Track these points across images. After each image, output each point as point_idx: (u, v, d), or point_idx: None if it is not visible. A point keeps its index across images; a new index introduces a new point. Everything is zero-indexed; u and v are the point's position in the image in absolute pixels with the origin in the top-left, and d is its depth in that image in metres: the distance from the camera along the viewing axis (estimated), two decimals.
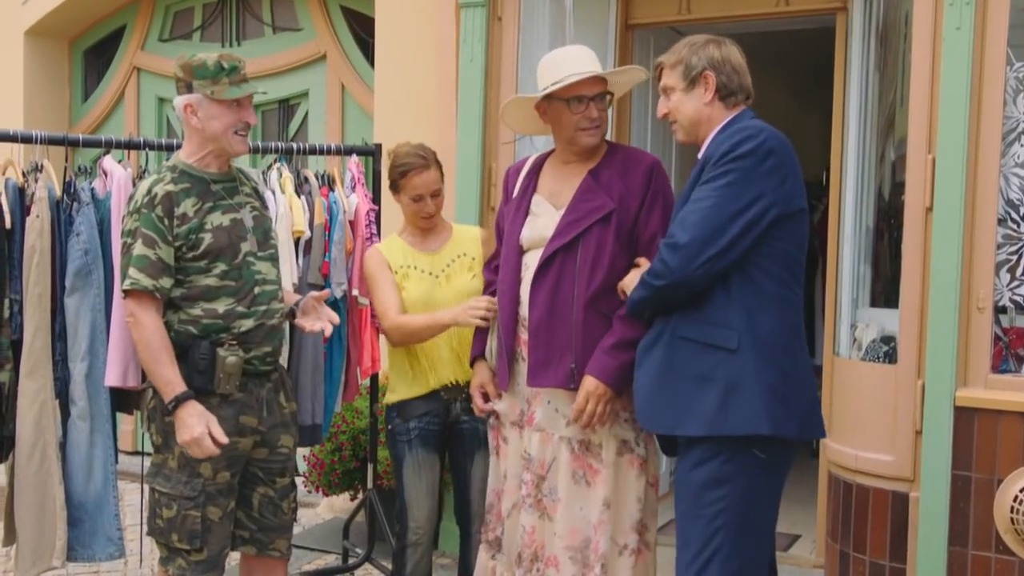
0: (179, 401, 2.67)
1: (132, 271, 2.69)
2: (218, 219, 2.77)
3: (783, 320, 2.42)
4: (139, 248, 2.69)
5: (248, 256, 2.81)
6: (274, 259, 2.91)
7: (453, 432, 3.20)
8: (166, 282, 2.72)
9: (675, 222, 2.46)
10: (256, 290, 2.82)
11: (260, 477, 2.91)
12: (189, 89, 2.76)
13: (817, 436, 2.54)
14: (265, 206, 3.00)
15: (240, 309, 2.78)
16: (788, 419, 2.39)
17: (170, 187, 2.74)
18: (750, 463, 2.39)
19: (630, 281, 2.58)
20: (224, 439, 2.69)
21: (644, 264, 2.60)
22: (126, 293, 2.71)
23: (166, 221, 2.71)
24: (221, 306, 2.76)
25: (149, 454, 4.60)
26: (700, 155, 2.52)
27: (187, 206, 2.74)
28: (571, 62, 2.75)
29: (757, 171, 2.36)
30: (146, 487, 2.94)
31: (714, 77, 2.49)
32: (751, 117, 2.51)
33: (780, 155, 2.39)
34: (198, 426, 2.66)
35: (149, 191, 2.73)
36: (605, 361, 2.64)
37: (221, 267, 2.75)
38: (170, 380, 2.69)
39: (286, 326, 3.12)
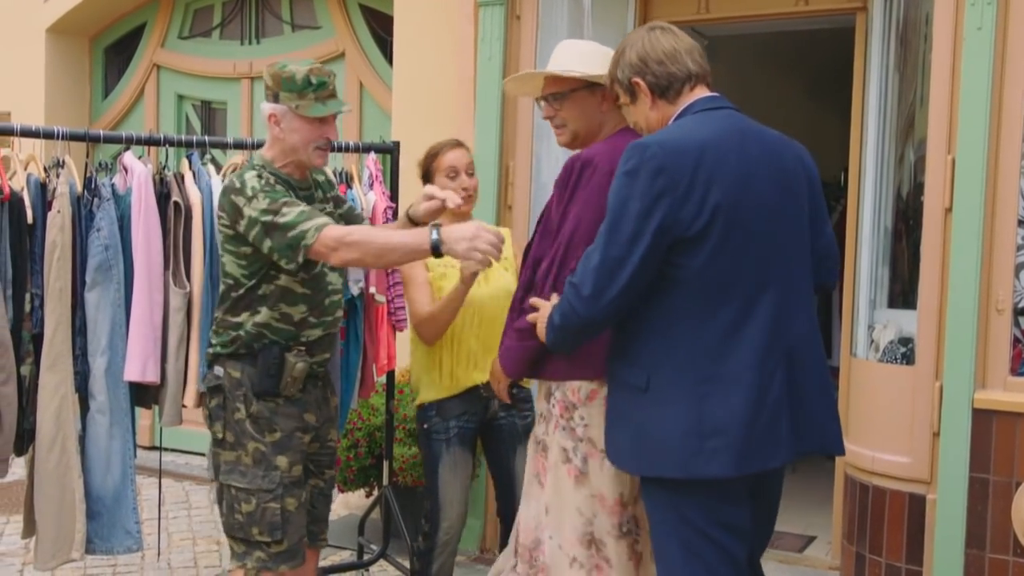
0: (435, 243, 2.55)
1: (303, 224, 2.62)
2: None
3: (694, 350, 2.21)
4: (291, 211, 2.64)
5: (324, 266, 2.84)
6: (341, 268, 2.93)
7: (491, 429, 3.25)
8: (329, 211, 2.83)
9: (584, 255, 2.27)
10: (327, 301, 2.88)
11: (311, 470, 3.00)
12: (275, 99, 2.77)
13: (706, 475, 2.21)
14: (337, 207, 3.01)
15: (312, 319, 2.84)
16: (656, 459, 2.24)
17: (273, 179, 2.76)
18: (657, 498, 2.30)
19: (542, 316, 2.45)
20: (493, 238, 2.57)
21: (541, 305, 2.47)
22: (314, 243, 2.61)
23: (287, 194, 2.71)
24: (296, 313, 2.81)
25: (167, 449, 4.63)
26: None
27: (289, 195, 2.76)
28: (553, 58, 2.68)
29: (647, 194, 2.15)
30: (164, 480, 2.96)
31: (643, 82, 2.34)
32: (696, 111, 2.29)
33: (671, 171, 2.15)
34: (469, 228, 2.55)
35: (260, 178, 2.72)
36: (505, 343, 2.63)
37: (303, 274, 2.78)
38: (415, 243, 2.60)
39: None
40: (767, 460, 2.22)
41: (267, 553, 2.80)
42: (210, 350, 2.88)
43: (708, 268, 2.17)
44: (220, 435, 2.84)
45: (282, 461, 2.81)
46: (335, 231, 2.64)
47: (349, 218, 3.03)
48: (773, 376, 2.20)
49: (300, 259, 2.65)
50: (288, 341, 2.80)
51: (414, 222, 2.93)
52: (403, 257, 2.71)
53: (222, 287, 2.88)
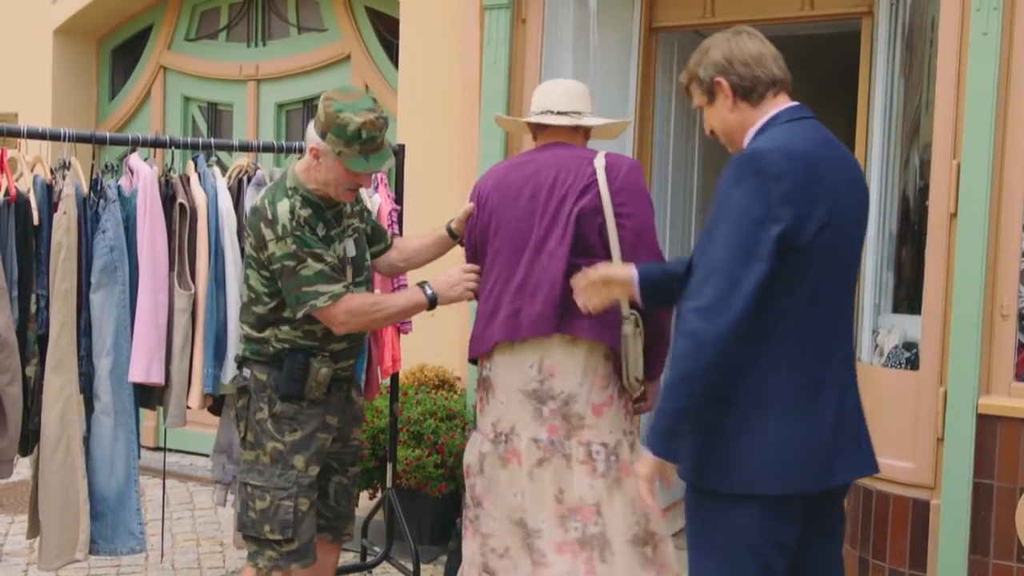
0: (431, 295, 2.90)
1: (320, 287, 2.75)
2: (335, 250, 2.87)
3: (792, 360, 2.17)
4: (312, 266, 2.75)
5: (349, 286, 2.87)
6: (366, 283, 2.99)
7: None
8: (348, 276, 2.87)
9: (698, 271, 2.17)
10: None
11: (334, 467, 3.06)
12: (323, 135, 2.77)
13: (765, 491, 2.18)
14: (362, 217, 3.05)
15: (336, 333, 2.88)
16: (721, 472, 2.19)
17: (304, 212, 2.80)
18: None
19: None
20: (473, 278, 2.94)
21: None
22: (324, 308, 2.76)
23: (315, 237, 2.78)
24: (319, 330, 2.86)
25: (172, 450, 4.63)
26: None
27: (320, 230, 2.83)
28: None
29: (770, 199, 2.09)
30: (168, 482, 2.98)
31: (725, 82, 2.29)
32: (787, 120, 2.25)
33: (792, 177, 2.10)
34: (453, 275, 2.93)
35: (293, 215, 2.77)
36: None
37: (351, 284, 2.85)
38: (415, 301, 2.91)
39: None
40: (848, 473, 2.24)
41: (278, 552, 2.85)
42: (239, 353, 2.97)
43: (810, 275, 2.13)
44: (242, 434, 2.92)
45: (299, 461, 2.86)
46: (349, 304, 2.78)
47: (374, 232, 3.12)
48: (848, 391, 2.25)
49: (300, 315, 2.77)
50: (313, 350, 2.87)
51: (453, 235, 3.12)
52: (404, 317, 2.95)
53: (244, 298, 2.93)
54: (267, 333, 2.86)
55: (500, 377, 2.90)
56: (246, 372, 2.91)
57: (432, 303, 2.90)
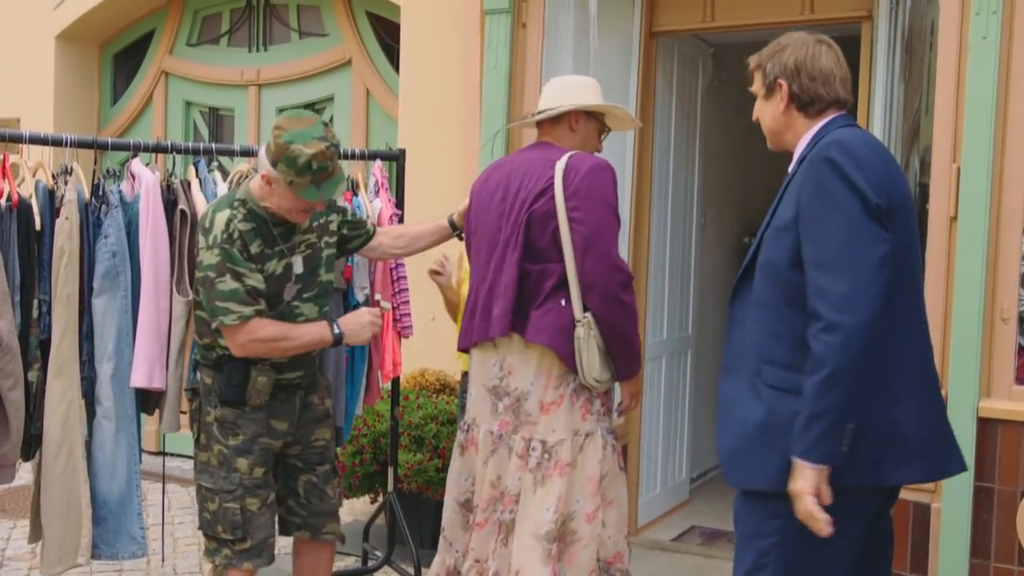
0: (338, 334, 2.96)
1: (231, 305, 2.77)
2: (273, 266, 2.89)
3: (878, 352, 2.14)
4: (229, 283, 2.78)
5: (293, 301, 2.93)
6: (320, 296, 3.02)
7: None
8: (262, 303, 2.84)
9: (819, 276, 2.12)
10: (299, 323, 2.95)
11: (300, 467, 3.10)
12: (274, 165, 2.77)
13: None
14: (324, 229, 3.04)
15: None
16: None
17: (243, 226, 2.82)
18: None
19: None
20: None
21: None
22: (230, 327, 2.79)
23: (244, 255, 2.80)
24: None
25: (172, 454, 4.65)
26: (792, 165, 2.33)
27: (254, 246, 2.84)
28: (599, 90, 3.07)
29: (867, 189, 2.12)
30: (169, 486, 3.01)
31: (786, 86, 2.31)
32: (840, 125, 2.28)
33: (879, 168, 2.16)
34: (362, 317, 3.02)
35: (227, 227, 2.79)
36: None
37: (269, 312, 2.87)
38: (320, 336, 2.94)
39: None
40: (946, 469, 2.27)
41: (232, 551, 2.93)
42: (195, 357, 3.04)
43: (901, 255, 2.15)
44: (196, 436, 2.99)
45: (242, 464, 2.92)
46: (254, 328, 2.79)
47: (351, 230, 3.15)
48: (934, 388, 2.27)
49: (212, 327, 2.82)
50: (253, 359, 2.89)
51: (454, 227, 3.28)
52: (306, 350, 2.95)
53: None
54: (208, 340, 2.93)
55: (474, 372, 3.03)
56: (198, 376, 3.00)
57: (337, 342, 2.97)
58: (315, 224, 3.02)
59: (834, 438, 2.06)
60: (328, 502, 3.16)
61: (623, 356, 2.89)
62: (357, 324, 3.00)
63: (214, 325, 2.83)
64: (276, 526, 3.07)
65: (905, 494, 3.47)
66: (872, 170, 2.13)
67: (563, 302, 2.84)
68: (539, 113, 3.04)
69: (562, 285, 2.84)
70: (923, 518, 3.45)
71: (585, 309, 2.82)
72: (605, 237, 2.81)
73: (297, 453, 3.08)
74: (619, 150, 4.41)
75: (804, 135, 2.31)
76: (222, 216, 2.81)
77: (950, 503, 3.37)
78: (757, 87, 2.39)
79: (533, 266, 2.85)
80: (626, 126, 3.20)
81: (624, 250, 4.41)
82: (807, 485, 2.07)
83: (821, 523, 2.07)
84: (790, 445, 2.10)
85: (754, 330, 2.24)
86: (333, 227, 3.09)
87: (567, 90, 3.02)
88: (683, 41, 4.74)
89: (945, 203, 3.40)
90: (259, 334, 2.81)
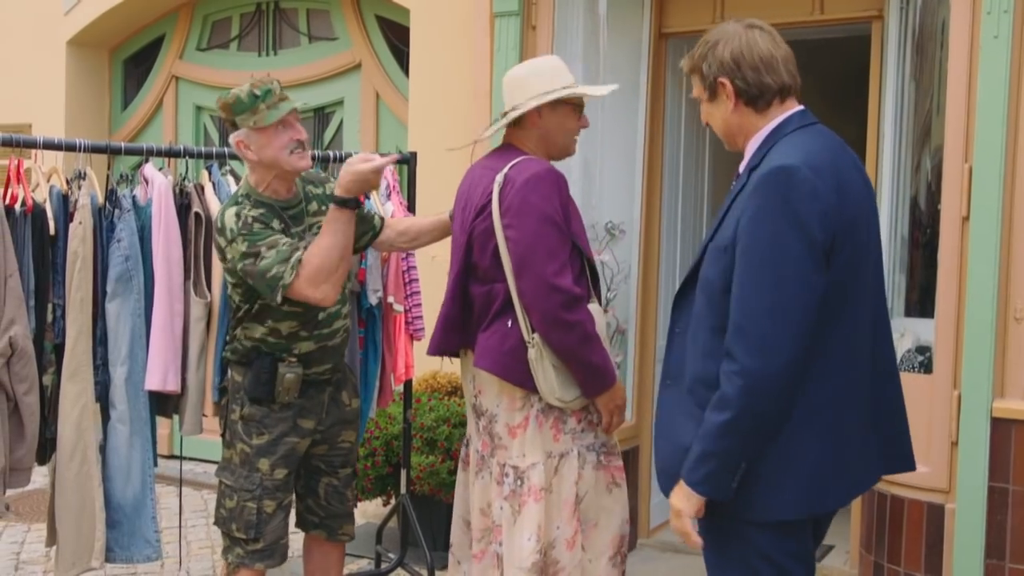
0: (346, 199, 2.77)
1: (277, 268, 2.71)
2: None
3: (820, 374, 2.09)
4: (265, 255, 2.73)
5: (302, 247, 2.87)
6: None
7: None
8: (300, 248, 2.77)
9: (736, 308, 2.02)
10: (320, 315, 2.94)
11: (323, 469, 3.12)
12: (235, 126, 2.85)
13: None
14: None
15: (303, 333, 2.93)
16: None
17: (254, 212, 2.84)
18: None
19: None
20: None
21: None
22: (293, 284, 2.71)
23: (269, 229, 2.80)
24: (284, 328, 2.91)
25: (185, 458, 4.66)
26: (741, 166, 2.21)
27: (275, 224, 2.85)
28: (566, 73, 2.83)
29: (809, 219, 1.99)
30: (185, 489, 3.04)
31: (729, 84, 2.14)
32: (795, 127, 2.13)
33: (823, 195, 2.01)
34: (354, 166, 2.77)
35: (239, 218, 2.81)
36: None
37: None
38: (334, 216, 2.77)
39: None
40: (863, 486, 2.20)
41: (245, 550, 2.95)
42: (224, 355, 3.07)
43: (828, 290, 2.01)
44: (222, 432, 3.02)
45: (264, 464, 2.93)
46: (307, 269, 2.72)
47: (359, 224, 3.09)
48: (864, 401, 2.14)
49: (279, 297, 2.75)
50: (281, 353, 2.91)
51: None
52: (344, 240, 2.78)
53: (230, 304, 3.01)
54: (238, 332, 2.95)
55: (463, 382, 2.98)
56: (229, 374, 3.02)
57: (353, 203, 2.78)
58: (323, 207, 3.00)
59: (725, 476, 2.03)
60: (346, 505, 3.19)
61: (584, 375, 2.69)
62: (353, 176, 2.75)
63: (279, 298, 2.73)
64: (289, 527, 3.08)
65: (919, 495, 3.47)
66: (818, 201, 1.98)
67: (509, 323, 2.68)
68: (500, 118, 2.81)
69: (508, 305, 2.68)
70: (937, 519, 3.44)
71: (533, 329, 2.66)
72: (539, 255, 2.60)
73: (323, 453, 3.09)
74: (629, 151, 4.41)
75: (755, 136, 2.16)
76: (231, 212, 2.85)
77: (964, 504, 3.35)
78: (698, 91, 2.23)
79: (479, 288, 2.72)
80: (600, 93, 2.89)
81: (634, 253, 4.41)
82: (689, 507, 2.08)
83: (696, 540, 2.11)
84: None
85: (691, 346, 2.15)
86: None
87: (522, 86, 2.77)
88: (693, 42, 4.65)
89: (957, 203, 3.39)
90: (312, 266, 2.70)
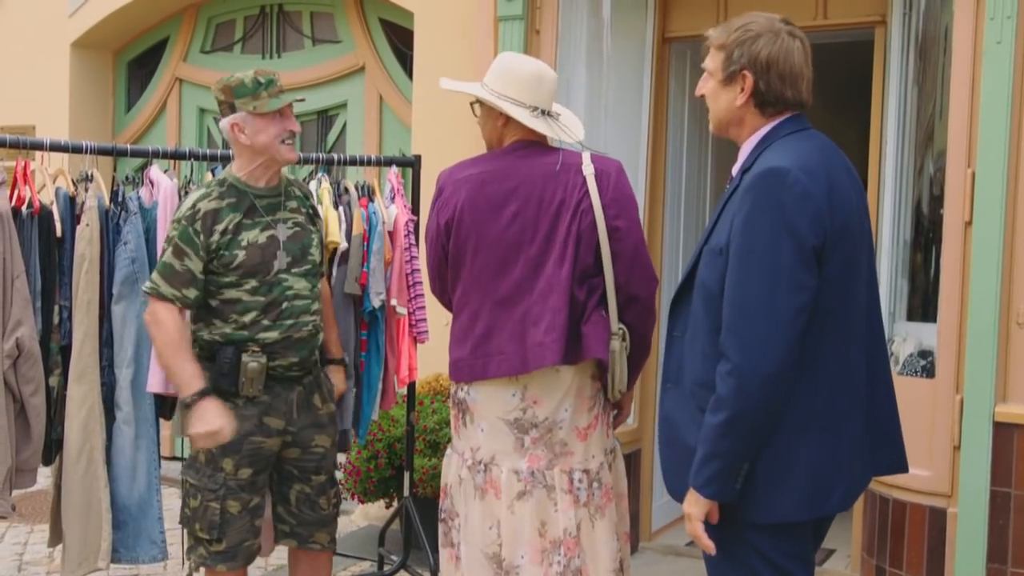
0: (202, 394, 2.81)
1: (155, 276, 2.87)
2: (254, 236, 2.89)
3: (817, 376, 2.12)
4: (168, 257, 2.85)
5: (280, 273, 2.92)
6: (310, 274, 3.00)
7: None
8: (190, 292, 2.85)
9: (729, 308, 2.04)
10: (284, 305, 2.93)
11: (295, 475, 3.04)
12: (232, 109, 2.89)
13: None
14: (312, 220, 3.07)
15: (266, 322, 2.91)
16: None
17: (214, 204, 2.87)
18: None
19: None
20: (231, 432, 2.83)
21: None
22: (146, 294, 2.89)
23: (202, 237, 2.84)
24: (247, 318, 2.90)
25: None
26: (735, 168, 2.22)
27: (228, 222, 2.86)
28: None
29: (801, 221, 2.01)
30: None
31: (751, 80, 2.13)
32: (789, 132, 2.15)
33: (816, 197, 2.03)
34: (218, 418, 2.80)
35: (193, 205, 2.87)
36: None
37: (252, 283, 2.88)
38: (192, 373, 2.83)
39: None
40: (860, 487, 2.20)
41: (207, 551, 2.93)
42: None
43: (823, 293, 2.03)
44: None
45: (228, 463, 2.89)
46: (158, 309, 2.82)
47: (304, 244, 3.01)
48: (860, 403, 2.16)
49: (141, 294, 2.90)
50: (244, 343, 2.89)
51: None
52: (166, 369, 2.91)
53: None
54: (198, 326, 2.94)
55: (480, 404, 2.72)
56: None
57: (184, 404, 2.83)
58: (303, 208, 3.04)
59: (728, 478, 2.05)
60: (319, 513, 3.07)
61: (640, 365, 2.79)
62: (200, 419, 2.79)
63: (141, 295, 2.89)
64: (260, 531, 3.00)
65: (921, 499, 3.48)
66: (810, 203, 2.00)
67: (603, 313, 2.67)
68: (554, 117, 2.72)
69: (603, 297, 2.67)
70: (939, 523, 3.45)
71: (621, 319, 2.68)
72: (644, 243, 2.69)
73: (295, 457, 3.01)
74: (632, 155, 4.42)
75: (753, 135, 2.17)
76: (192, 197, 2.91)
77: (967, 508, 3.36)
78: (715, 67, 2.18)
79: (579, 285, 2.64)
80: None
81: None
82: (698, 512, 2.10)
83: (707, 544, 2.11)
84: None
85: (690, 349, 2.17)
86: (316, 232, 3.07)
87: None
88: (696, 46, 4.69)
89: (960, 208, 3.40)
90: (158, 316, 2.82)
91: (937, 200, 3.60)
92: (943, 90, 3.57)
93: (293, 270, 2.94)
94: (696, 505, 2.10)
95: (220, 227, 2.85)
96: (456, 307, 2.79)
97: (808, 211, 2.00)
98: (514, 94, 2.69)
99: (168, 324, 2.83)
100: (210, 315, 2.91)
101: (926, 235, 3.74)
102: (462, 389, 2.77)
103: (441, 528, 2.86)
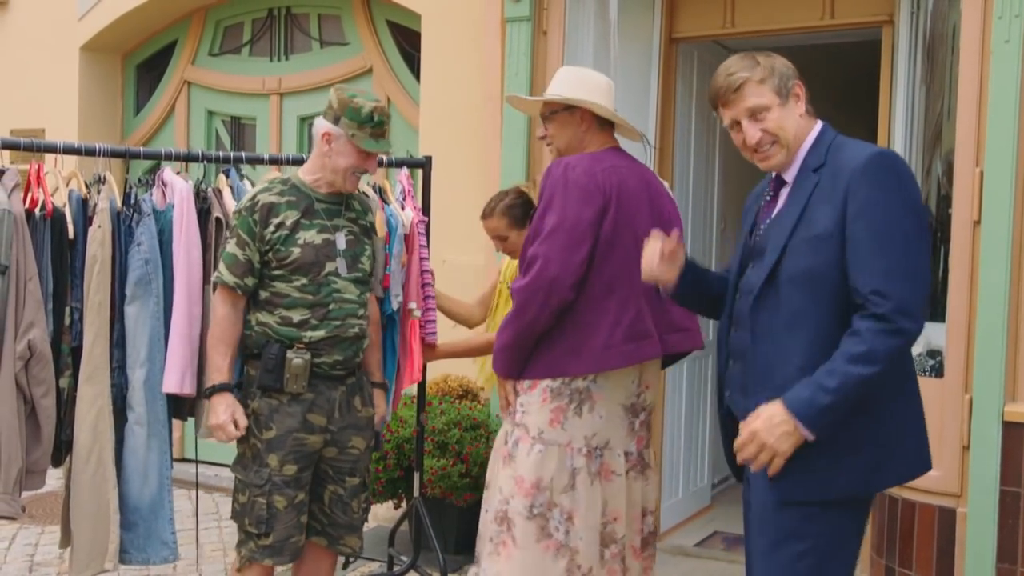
0: (215, 390, 2.96)
1: (221, 266, 3.00)
2: (311, 236, 2.99)
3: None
4: (231, 247, 2.99)
5: (331, 275, 3.01)
6: (360, 281, 3.10)
7: None
8: (250, 280, 2.99)
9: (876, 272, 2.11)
10: (332, 306, 3.01)
11: (330, 475, 3.11)
12: (335, 121, 2.97)
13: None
14: (367, 232, 3.15)
15: (314, 321, 2.99)
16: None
17: (273, 198, 3.00)
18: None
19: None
20: (242, 427, 2.97)
21: None
22: (214, 285, 3.04)
23: (258, 227, 2.96)
24: (296, 315, 2.98)
25: (199, 461, 4.70)
26: (791, 171, 2.30)
27: (285, 218, 2.98)
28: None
29: (918, 195, 2.27)
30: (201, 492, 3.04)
31: (802, 87, 2.28)
32: (838, 133, 2.31)
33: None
34: (223, 414, 2.95)
35: (254, 197, 3.01)
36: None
37: (302, 280, 2.98)
38: (219, 368, 2.99)
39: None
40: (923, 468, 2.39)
41: (256, 545, 2.99)
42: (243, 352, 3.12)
43: None
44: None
45: (273, 459, 2.96)
46: (220, 297, 2.99)
47: (356, 253, 3.09)
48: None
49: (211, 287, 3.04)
50: (291, 341, 2.98)
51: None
52: (210, 355, 3.04)
53: None
54: (249, 316, 3.03)
55: (606, 391, 2.84)
56: (245, 370, 3.09)
57: (199, 389, 3.16)
58: (360, 220, 3.14)
59: (835, 422, 2.12)
60: (350, 516, 3.14)
61: None
62: (211, 412, 2.98)
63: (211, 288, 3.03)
64: (304, 528, 3.06)
65: (930, 499, 3.48)
66: (916, 184, 2.23)
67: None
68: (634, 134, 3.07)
69: None
70: (949, 523, 3.44)
71: None
72: None
73: (332, 457, 3.08)
74: (638, 156, 4.41)
75: (807, 136, 2.28)
76: (255, 190, 3.05)
77: (976, 508, 3.36)
78: (770, 97, 2.25)
79: None
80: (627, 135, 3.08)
81: None
82: (788, 448, 2.12)
83: (778, 465, 2.15)
84: (843, 455, 2.16)
85: (792, 342, 2.19)
86: (370, 244, 3.16)
87: (596, 90, 2.95)
88: (703, 47, 4.75)
89: (968, 207, 3.40)
90: (218, 305, 2.99)
91: (945, 199, 3.60)
92: (951, 89, 3.57)
93: (344, 275, 3.04)
94: (787, 440, 2.11)
95: (276, 220, 2.96)
96: (596, 294, 2.79)
97: (919, 191, 2.25)
98: (605, 103, 2.94)
99: (219, 314, 3.00)
100: (256, 305, 3.01)
101: (935, 234, 3.74)
102: (586, 378, 2.81)
103: (536, 524, 2.81)
